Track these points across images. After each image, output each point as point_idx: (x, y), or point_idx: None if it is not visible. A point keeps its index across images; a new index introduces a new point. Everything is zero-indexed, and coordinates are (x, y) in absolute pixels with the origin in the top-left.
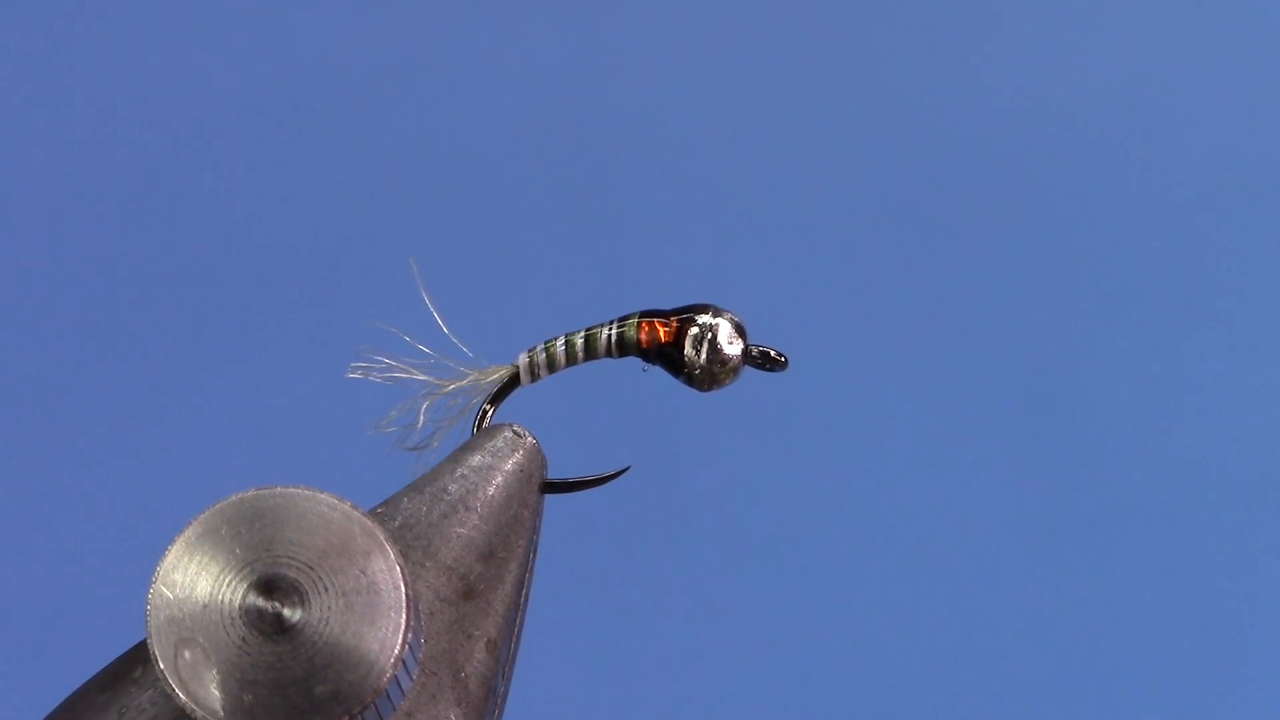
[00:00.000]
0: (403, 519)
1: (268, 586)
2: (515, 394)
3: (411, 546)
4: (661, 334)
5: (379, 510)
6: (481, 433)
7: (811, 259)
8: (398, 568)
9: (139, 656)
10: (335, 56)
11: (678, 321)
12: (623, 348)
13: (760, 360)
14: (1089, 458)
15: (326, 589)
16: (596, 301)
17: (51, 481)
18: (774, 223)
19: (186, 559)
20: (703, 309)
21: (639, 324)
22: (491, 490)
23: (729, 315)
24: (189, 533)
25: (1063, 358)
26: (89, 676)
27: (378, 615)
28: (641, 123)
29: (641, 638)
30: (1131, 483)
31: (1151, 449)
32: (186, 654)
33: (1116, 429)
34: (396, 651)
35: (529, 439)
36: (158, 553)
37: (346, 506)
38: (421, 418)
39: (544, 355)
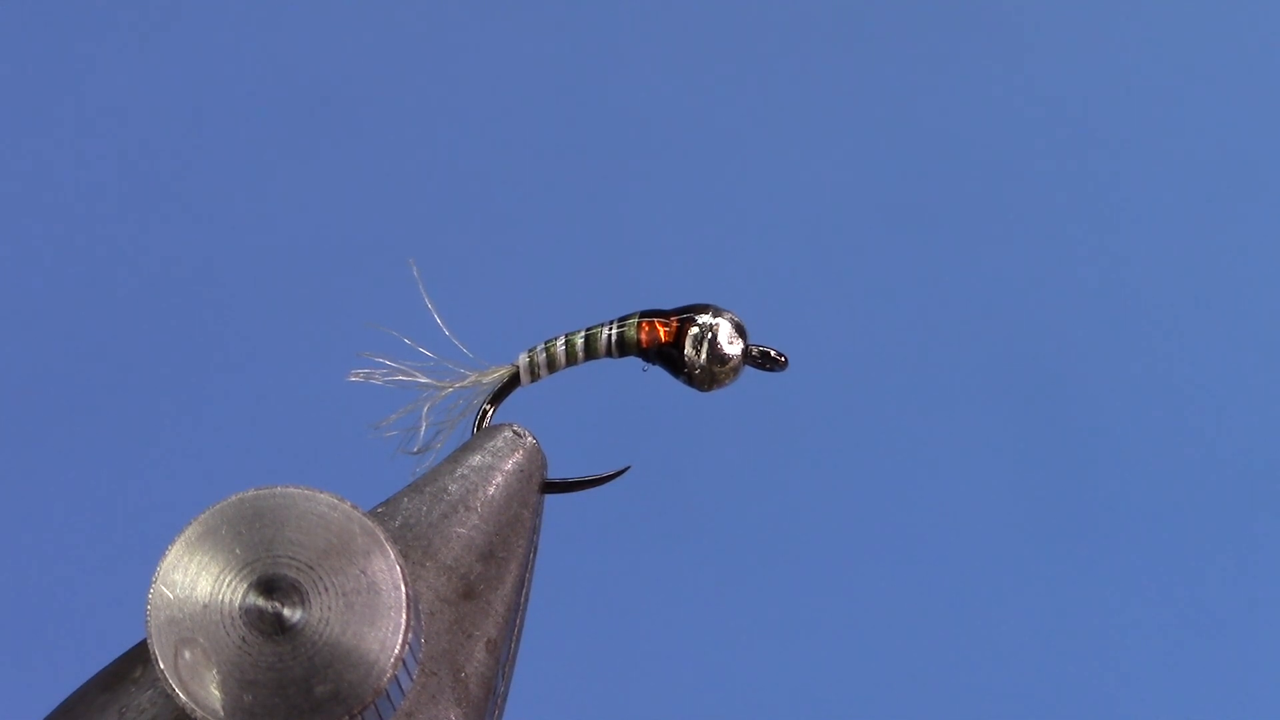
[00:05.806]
0: (403, 519)
1: (268, 586)
2: (515, 394)
3: (411, 546)
4: (661, 334)
5: (379, 510)
6: (481, 433)
7: (812, 259)
8: (398, 568)
9: (139, 656)
10: (335, 56)
11: (678, 321)
12: (623, 348)
13: (760, 360)
14: (1088, 458)
15: (326, 589)
16: (596, 301)
17: (52, 481)
18: (773, 222)
19: (186, 559)
20: (703, 309)
21: (639, 324)
22: (491, 490)
23: (729, 315)
24: (189, 533)
25: (1062, 358)
26: (89, 676)
27: (378, 615)
28: (641, 123)
29: (641, 638)
30: (1130, 483)
31: (1150, 450)
32: (186, 654)
33: (1115, 429)
34: (396, 651)
35: (529, 439)
36: (158, 553)
37: (346, 506)
38: (423, 420)
39: (544, 355)
